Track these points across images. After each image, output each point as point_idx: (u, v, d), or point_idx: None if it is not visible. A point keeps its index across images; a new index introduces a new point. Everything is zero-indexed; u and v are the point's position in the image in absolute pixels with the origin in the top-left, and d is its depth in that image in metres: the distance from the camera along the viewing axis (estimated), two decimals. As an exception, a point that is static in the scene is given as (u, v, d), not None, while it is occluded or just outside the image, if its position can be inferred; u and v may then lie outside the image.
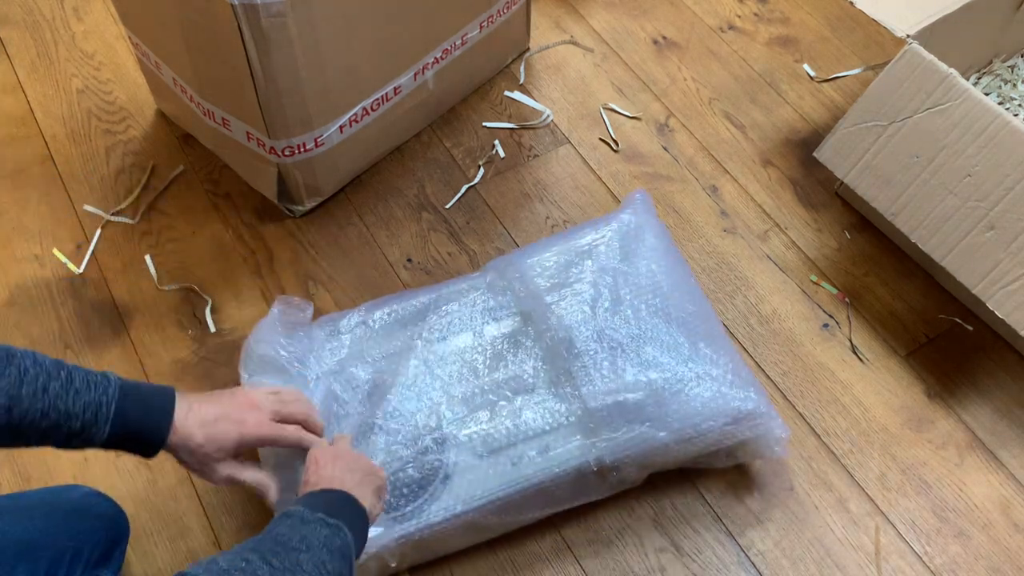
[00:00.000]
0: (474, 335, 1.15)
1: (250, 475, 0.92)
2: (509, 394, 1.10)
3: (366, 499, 0.90)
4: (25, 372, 0.77)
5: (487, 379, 1.12)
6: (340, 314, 1.17)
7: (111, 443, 0.82)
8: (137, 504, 1.14)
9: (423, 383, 1.11)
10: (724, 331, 1.18)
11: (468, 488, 1.03)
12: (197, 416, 0.87)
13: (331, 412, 1.07)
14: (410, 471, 1.04)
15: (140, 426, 0.83)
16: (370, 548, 0.98)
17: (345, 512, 0.84)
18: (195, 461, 0.88)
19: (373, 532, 0.99)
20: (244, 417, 0.90)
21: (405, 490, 1.03)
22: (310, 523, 0.78)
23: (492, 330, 1.16)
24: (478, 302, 1.18)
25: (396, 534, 1.00)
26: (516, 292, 1.18)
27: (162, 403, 0.85)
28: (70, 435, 0.79)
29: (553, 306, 1.16)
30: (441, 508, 1.02)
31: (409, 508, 1.02)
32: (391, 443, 1.05)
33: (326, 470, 0.90)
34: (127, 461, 1.18)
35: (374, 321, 1.16)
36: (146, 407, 0.84)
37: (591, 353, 1.11)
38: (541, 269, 1.20)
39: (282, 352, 1.10)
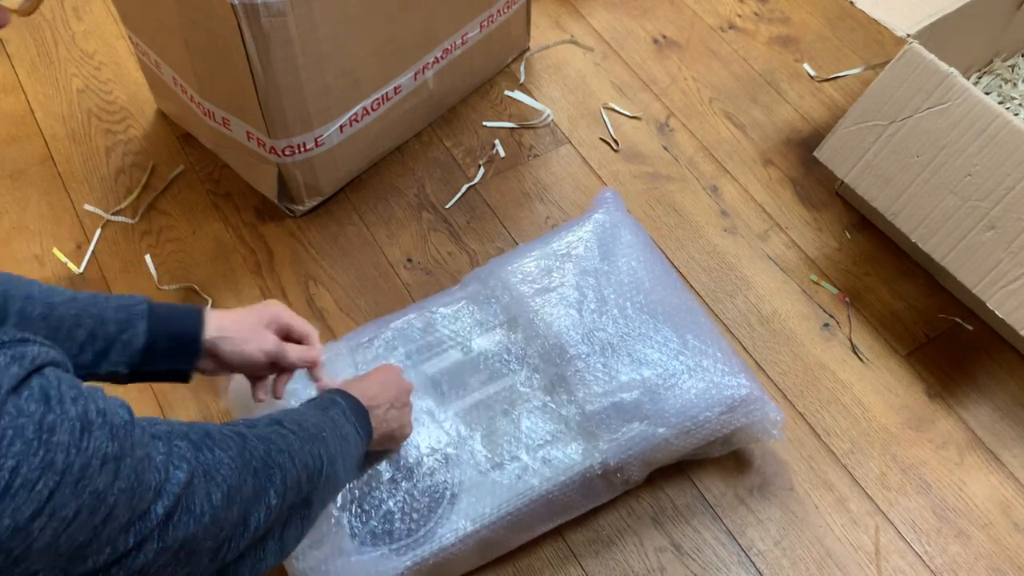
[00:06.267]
0: (463, 350, 1.14)
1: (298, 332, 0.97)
2: (506, 406, 1.10)
3: (392, 430, 0.98)
4: (52, 288, 0.79)
5: (482, 393, 1.11)
6: (328, 345, 1.15)
7: (149, 350, 0.83)
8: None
9: (418, 405, 1.09)
10: (710, 321, 1.18)
11: (476, 506, 1.02)
12: (220, 312, 0.91)
13: None
14: (416, 495, 1.02)
15: (176, 320, 0.86)
16: None
17: (367, 428, 0.92)
18: (239, 341, 0.89)
19: (387, 564, 0.97)
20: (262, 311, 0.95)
21: (415, 515, 1.01)
22: (351, 424, 0.87)
23: (481, 343, 1.14)
24: (463, 315, 1.17)
25: (409, 562, 0.98)
26: (501, 301, 1.17)
27: (187, 307, 0.89)
28: (107, 345, 0.80)
29: (540, 312, 1.15)
30: (451, 530, 1.01)
31: (420, 534, 1.00)
32: (393, 469, 1.04)
33: (371, 388, 0.96)
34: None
35: (362, 348, 1.14)
36: (175, 307, 0.87)
37: (583, 356, 1.11)
38: (523, 275, 1.19)
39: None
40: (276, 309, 0.95)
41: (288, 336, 0.96)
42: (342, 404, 0.89)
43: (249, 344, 0.90)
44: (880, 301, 1.34)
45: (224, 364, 0.90)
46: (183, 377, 0.88)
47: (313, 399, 0.91)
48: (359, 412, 0.91)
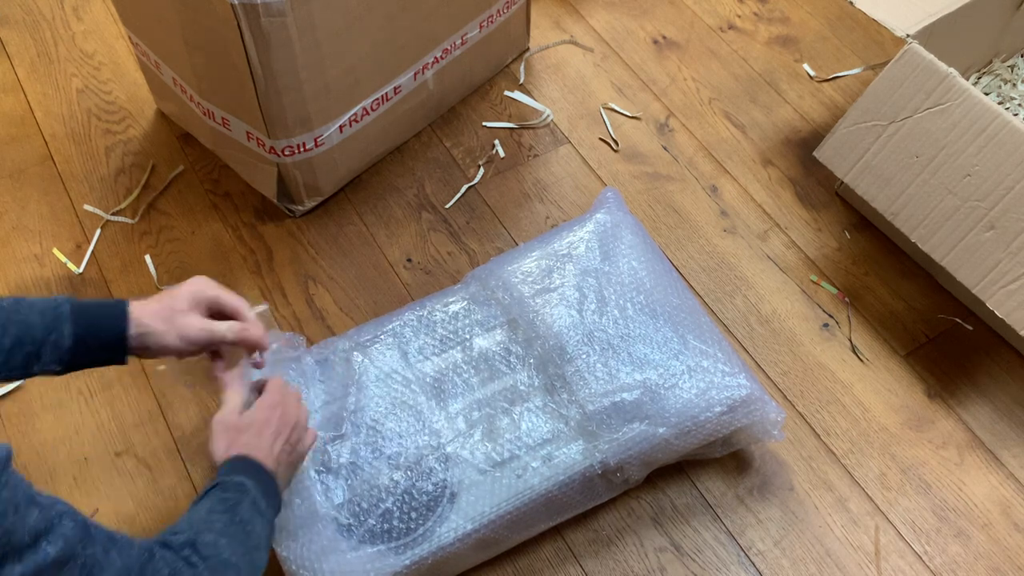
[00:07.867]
0: (464, 349, 1.14)
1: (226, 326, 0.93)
2: (506, 405, 1.09)
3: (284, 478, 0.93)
4: None
5: (482, 392, 1.11)
6: (329, 342, 1.15)
7: (78, 349, 0.83)
8: (137, 504, 1.14)
9: (419, 403, 1.09)
10: (710, 321, 1.18)
11: (475, 505, 1.02)
12: (142, 303, 0.89)
13: (328, 440, 1.06)
14: (415, 494, 1.02)
15: (100, 319, 0.85)
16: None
17: (276, 501, 0.88)
18: (159, 336, 0.88)
19: (385, 562, 0.97)
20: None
21: (413, 514, 1.01)
22: (261, 515, 0.83)
23: (482, 342, 1.14)
24: (464, 315, 1.17)
25: (408, 560, 0.98)
26: (501, 301, 1.17)
27: (111, 304, 0.88)
28: (35, 349, 0.81)
29: (540, 312, 1.15)
30: (450, 529, 1.01)
31: (419, 532, 1.00)
32: (392, 467, 1.04)
33: (264, 436, 0.91)
34: (126, 461, 1.18)
35: (363, 346, 1.14)
36: (99, 305, 0.87)
37: (583, 356, 1.11)
38: (523, 276, 1.19)
39: None
40: (198, 286, 0.93)
41: (221, 312, 0.95)
42: (251, 493, 0.84)
43: (169, 336, 0.89)
44: (880, 301, 1.34)
45: (155, 355, 0.90)
46: (120, 363, 0.88)
47: (218, 487, 0.83)
48: (268, 489, 0.87)
